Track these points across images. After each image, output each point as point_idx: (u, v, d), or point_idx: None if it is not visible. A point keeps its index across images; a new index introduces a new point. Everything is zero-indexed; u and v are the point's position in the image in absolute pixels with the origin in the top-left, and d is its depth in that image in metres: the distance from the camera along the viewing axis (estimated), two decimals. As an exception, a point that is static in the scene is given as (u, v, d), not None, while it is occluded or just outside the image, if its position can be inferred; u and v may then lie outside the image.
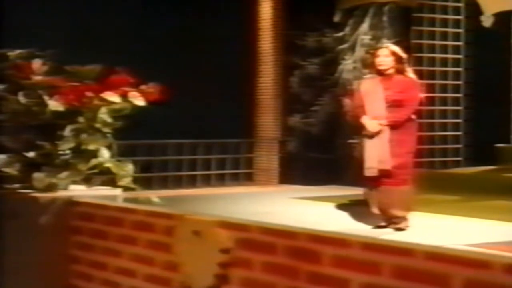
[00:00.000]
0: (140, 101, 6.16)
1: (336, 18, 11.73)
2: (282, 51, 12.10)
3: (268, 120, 12.23)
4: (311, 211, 8.85)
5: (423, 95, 7.57)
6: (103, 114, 6.13)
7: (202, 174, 11.78)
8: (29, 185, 5.99)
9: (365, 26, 11.51)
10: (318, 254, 3.89)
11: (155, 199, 6.08)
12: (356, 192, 10.18)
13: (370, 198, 7.48)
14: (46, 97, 6.11)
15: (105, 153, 6.16)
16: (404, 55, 7.37)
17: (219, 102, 11.37)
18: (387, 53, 7.32)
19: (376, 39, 11.34)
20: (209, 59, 11.50)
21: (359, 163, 7.47)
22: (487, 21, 11.36)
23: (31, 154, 6.11)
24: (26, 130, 6.28)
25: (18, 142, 6.25)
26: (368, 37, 11.46)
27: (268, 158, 12.18)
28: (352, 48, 11.59)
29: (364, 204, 8.55)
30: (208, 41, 11.67)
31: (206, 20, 11.78)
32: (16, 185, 6.08)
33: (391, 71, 7.31)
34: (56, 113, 6.09)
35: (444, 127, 11.95)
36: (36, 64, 6.34)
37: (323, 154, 11.67)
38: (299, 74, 11.96)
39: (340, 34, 11.71)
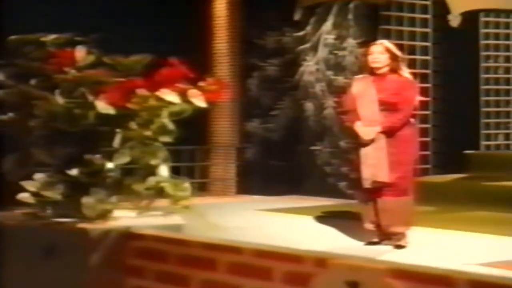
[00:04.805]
0: (200, 102, 4.96)
1: (297, 16, 11.19)
2: (239, 51, 11.49)
3: (224, 126, 11.60)
4: (288, 226, 8.25)
5: (419, 97, 6.96)
6: (164, 119, 4.95)
7: (154, 184, 10.99)
8: (73, 212, 4.69)
9: (328, 24, 10.94)
10: None
11: (217, 228, 4.84)
12: (321, 203, 9.82)
13: (364, 211, 6.82)
14: (90, 97, 4.81)
15: (164, 170, 4.96)
16: (399, 53, 6.72)
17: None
18: (382, 50, 6.67)
19: (341, 38, 10.81)
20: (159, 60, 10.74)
21: (356, 173, 6.79)
22: (454, 20, 11.08)
23: (74, 172, 4.79)
24: (65, 140, 5.02)
25: (56, 156, 5.00)
26: (332, 36, 10.90)
27: (224, 167, 11.57)
28: (314, 49, 11.04)
29: (340, 216, 8.34)
30: (157, 41, 10.89)
31: (155, 18, 11.04)
32: (58, 212, 4.77)
33: (385, 70, 6.66)
34: (101, 118, 4.81)
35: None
36: (80, 52, 5.02)
37: (284, 162, 11.14)
38: (258, 76, 11.36)
39: (301, 33, 11.15)
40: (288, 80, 11.18)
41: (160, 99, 4.83)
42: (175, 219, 4.68)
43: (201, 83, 4.99)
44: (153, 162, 4.89)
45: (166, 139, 4.94)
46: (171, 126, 4.87)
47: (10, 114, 5.30)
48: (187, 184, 5.07)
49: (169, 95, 4.85)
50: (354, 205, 7.52)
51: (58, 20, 8.98)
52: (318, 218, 8.48)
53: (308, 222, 8.41)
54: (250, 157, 11.48)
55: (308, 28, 11.08)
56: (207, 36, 11.66)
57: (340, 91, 9.91)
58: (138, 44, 9.80)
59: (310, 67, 11.04)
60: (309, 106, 11.06)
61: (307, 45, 11.06)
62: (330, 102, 10.75)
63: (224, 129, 11.62)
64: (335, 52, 10.80)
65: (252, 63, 11.31)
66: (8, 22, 9.47)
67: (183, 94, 4.93)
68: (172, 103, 4.86)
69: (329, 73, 10.82)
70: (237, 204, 10.31)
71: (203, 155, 11.64)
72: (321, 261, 3.25)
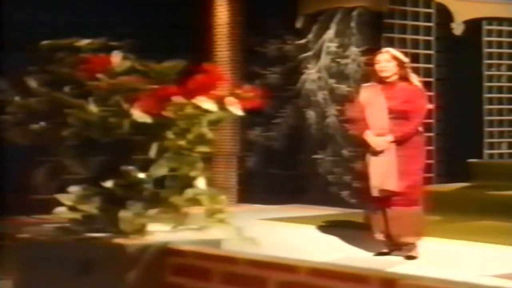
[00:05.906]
0: (237, 110, 4.75)
1: (299, 24, 11.07)
2: (241, 60, 11.36)
3: (225, 134, 11.41)
4: (291, 236, 8.12)
5: (429, 105, 6.86)
6: (204, 128, 4.78)
7: (155, 193, 10.86)
8: (109, 226, 4.49)
9: (331, 32, 10.82)
10: None
11: (256, 243, 4.58)
12: (323, 212, 9.65)
13: (373, 221, 6.69)
14: (125, 105, 4.61)
15: (201, 182, 4.77)
16: (406, 60, 6.62)
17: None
18: (388, 58, 6.57)
19: (343, 46, 10.68)
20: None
21: (363, 182, 6.67)
22: (457, 28, 11.02)
23: (109, 184, 4.56)
24: (99, 150, 4.84)
25: (90, 167, 4.81)
26: (335, 44, 10.77)
27: (226, 175, 11.40)
28: (317, 56, 10.92)
29: (343, 225, 8.16)
30: (158, 50, 10.76)
31: (157, 26, 10.93)
32: (92, 227, 4.57)
33: (394, 78, 6.55)
34: (136, 127, 4.61)
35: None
36: (116, 58, 4.83)
37: (285, 170, 10.98)
38: (259, 84, 11.19)
39: (303, 41, 11.03)
40: (290, 88, 11.07)
41: (197, 107, 4.62)
42: (213, 233, 4.44)
43: (237, 90, 4.78)
44: (191, 173, 4.68)
45: (204, 149, 4.72)
46: (210, 135, 4.66)
47: (42, 123, 5.11)
48: (223, 197, 4.83)
49: (206, 103, 4.63)
50: (357, 214, 7.39)
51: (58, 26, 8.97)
52: (322, 228, 8.38)
53: (312, 231, 8.30)
54: (252, 166, 11.35)
55: (310, 36, 10.98)
56: (209, 45, 11.54)
57: (342, 99, 9.82)
58: (137, 54, 9.79)
59: (312, 75, 10.93)
60: (311, 114, 10.93)
61: (309, 53, 10.97)
62: (332, 110, 10.65)
63: (225, 137, 11.46)
64: (338, 60, 10.68)
65: (253, 71, 11.16)
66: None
67: (220, 102, 4.72)
68: (209, 111, 4.64)
69: (332, 81, 10.70)
70: (239, 213, 10.06)
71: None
72: (390, 282, 2.83)
